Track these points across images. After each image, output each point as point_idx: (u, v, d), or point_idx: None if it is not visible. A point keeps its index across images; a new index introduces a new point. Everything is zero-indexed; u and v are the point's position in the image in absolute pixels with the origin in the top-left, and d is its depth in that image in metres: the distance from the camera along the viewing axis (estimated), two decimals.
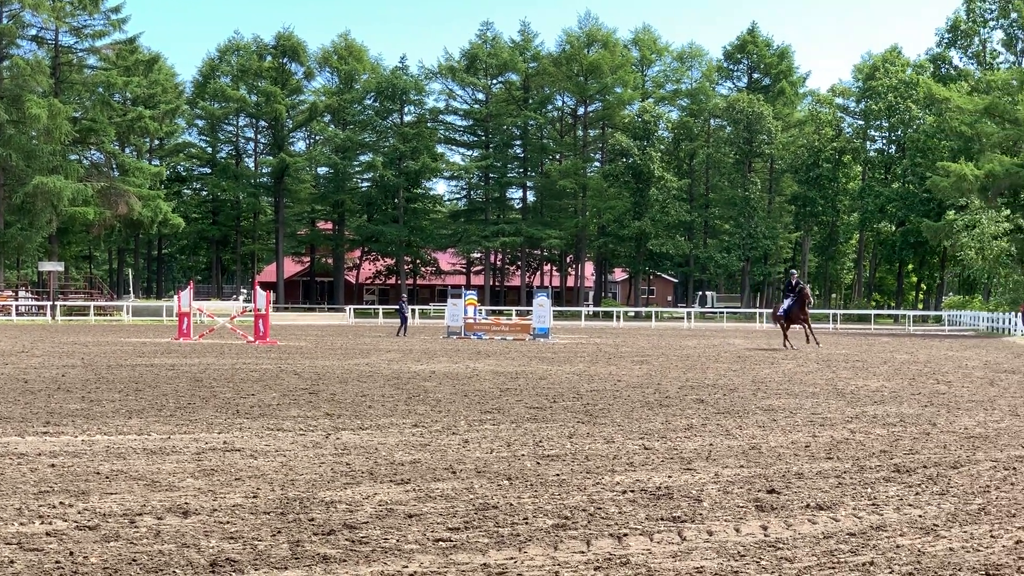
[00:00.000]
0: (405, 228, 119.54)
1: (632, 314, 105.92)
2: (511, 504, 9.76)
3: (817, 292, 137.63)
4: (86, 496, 9.95)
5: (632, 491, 10.48)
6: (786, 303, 44.66)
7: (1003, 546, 8.32)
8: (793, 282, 45.21)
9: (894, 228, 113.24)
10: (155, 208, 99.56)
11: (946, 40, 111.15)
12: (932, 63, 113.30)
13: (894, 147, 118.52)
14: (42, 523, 8.80)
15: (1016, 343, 54.10)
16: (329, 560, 7.68)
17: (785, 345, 44.45)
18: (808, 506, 9.81)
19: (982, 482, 11.28)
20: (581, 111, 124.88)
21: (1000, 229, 78.01)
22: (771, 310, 59.77)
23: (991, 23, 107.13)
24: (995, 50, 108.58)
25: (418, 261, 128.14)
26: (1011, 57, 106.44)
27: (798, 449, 13.68)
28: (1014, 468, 12.28)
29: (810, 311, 45.67)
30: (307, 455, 12.72)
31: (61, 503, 9.60)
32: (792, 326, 45.69)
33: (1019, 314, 66.52)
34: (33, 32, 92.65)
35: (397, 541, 8.26)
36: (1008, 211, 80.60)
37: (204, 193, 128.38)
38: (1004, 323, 71.77)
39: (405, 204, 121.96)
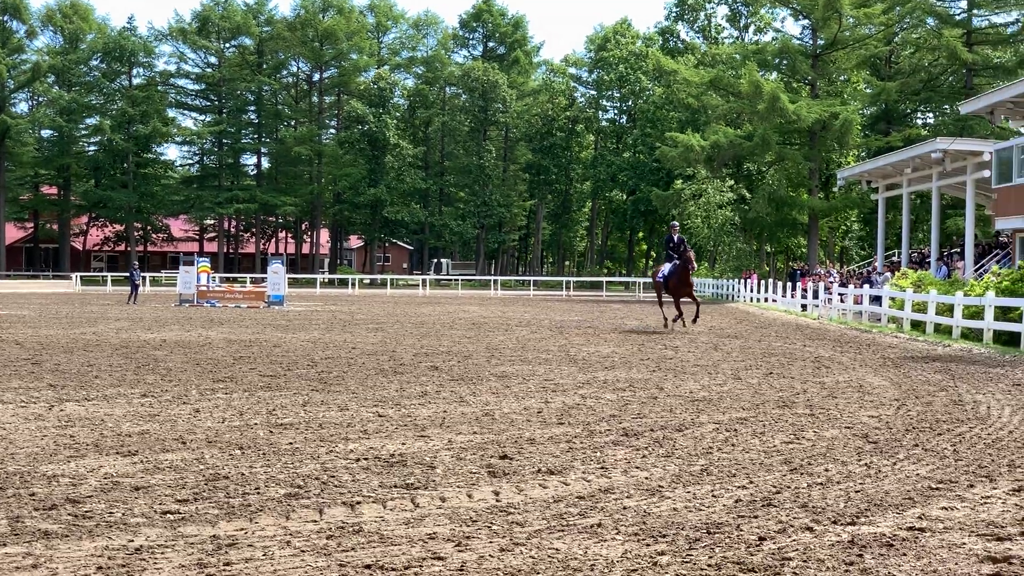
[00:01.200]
0: (135, 194, 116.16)
1: (367, 281, 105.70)
2: (243, 474, 9.63)
3: (551, 260, 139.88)
4: None
5: (366, 459, 10.47)
6: (666, 268, 34.89)
7: (723, 505, 8.60)
8: (675, 238, 34.96)
9: (625, 197, 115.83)
10: None
11: (674, 14, 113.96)
12: (661, 36, 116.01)
13: (625, 117, 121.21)
14: None
15: (738, 309, 56.11)
16: (51, 536, 7.42)
17: (666, 324, 35.01)
18: (539, 471, 9.96)
19: (705, 444, 11.66)
20: (316, 77, 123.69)
21: (724, 199, 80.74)
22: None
23: None
24: (719, 25, 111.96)
25: (149, 227, 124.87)
26: (735, 32, 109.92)
27: (531, 415, 13.87)
28: (735, 430, 12.73)
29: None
30: (28, 428, 12.28)
31: None
32: (676, 299, 34.93)
33: (744, 280, 68.90)
34: None
35: (123, 515, 8.04)
36: (732, 181, 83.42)
37: None
38: (728, 289, 74.32)
39: (135, 169, 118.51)
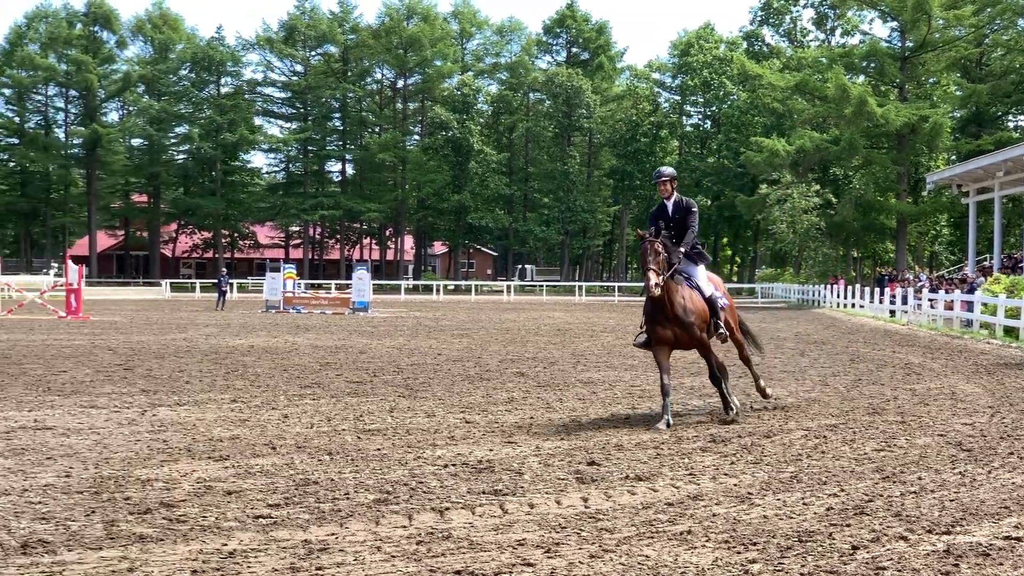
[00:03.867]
0: (223, 201, 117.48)
1: (452, 287, 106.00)
2: (332, 479, 9.68)
3: (635, 265, 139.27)
4: None
5: (454, 465, 10.47)
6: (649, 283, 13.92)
7: (814, 513, 8.51)
8: (669, 207, 14.45)
9: (709, 202, 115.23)
10: None
11: (759, 18, 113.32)
12: (745, 40, 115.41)
13: (709, 122, 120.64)
14: None
15: (825, 315, 55.57)
16: (145, 539, 7.51)
17: (726, 407, 14.52)
18: (627, 477, 9.91)
19: (794, 451, 11.54)
20: (401, 84, 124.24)
21: (810, 203, 79.92)
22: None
23: (802, 2, 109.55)
24: (805, 28, 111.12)
25: (236, 234, 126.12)
26: (821, 35, 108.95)
27: (617, 421, 13.83)
28: (824, 437, 12.59)
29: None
30: (122, 432, 12.43)
31: None
32: (661, 349, 14.35)
33: (830, 286, 68.25)
34: None
35: (216, 519, 8.11)
36: (817, 186, 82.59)
37: (12, 164, 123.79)
38: (813, 295, 73.67)
39: (223, 177, 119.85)
